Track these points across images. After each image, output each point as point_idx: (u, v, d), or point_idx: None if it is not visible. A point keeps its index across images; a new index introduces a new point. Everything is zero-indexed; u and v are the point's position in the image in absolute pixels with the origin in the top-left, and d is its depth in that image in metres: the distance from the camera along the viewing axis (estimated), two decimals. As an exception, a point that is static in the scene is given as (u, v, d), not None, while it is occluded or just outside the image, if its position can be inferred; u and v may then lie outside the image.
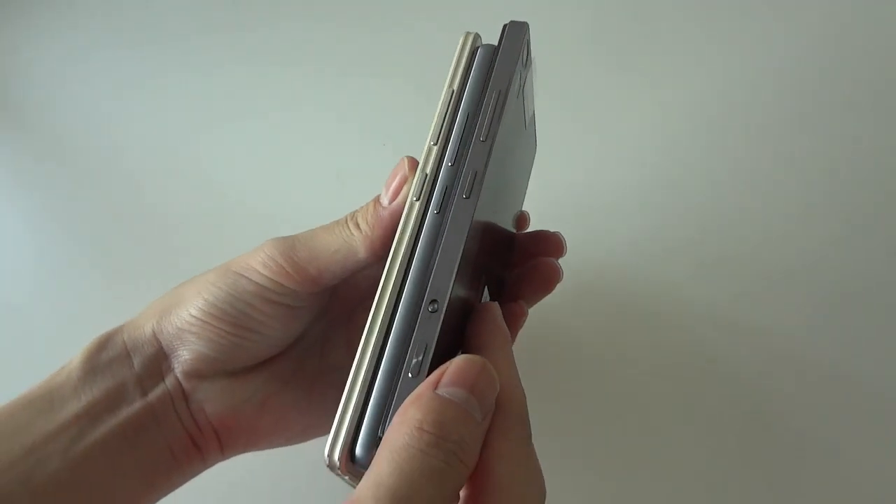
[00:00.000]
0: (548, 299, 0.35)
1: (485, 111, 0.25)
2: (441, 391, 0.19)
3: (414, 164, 0.26)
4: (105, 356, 0.28)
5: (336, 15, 0.70)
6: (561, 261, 0.35)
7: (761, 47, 0.57)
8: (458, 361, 0.20)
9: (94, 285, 0.59)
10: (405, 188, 0.26)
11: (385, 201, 0.27)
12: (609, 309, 0.47)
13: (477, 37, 0.28)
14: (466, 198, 0.24)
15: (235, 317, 0.27)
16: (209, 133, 0.66)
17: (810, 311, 0.45)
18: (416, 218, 0.24)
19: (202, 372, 0.28)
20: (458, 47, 0.27)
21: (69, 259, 0.62)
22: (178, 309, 0.28)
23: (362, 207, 0.28)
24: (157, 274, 0.60)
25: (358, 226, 0.27)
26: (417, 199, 0.25)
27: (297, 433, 0.31)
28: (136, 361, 0.28)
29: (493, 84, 0.26)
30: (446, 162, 0.25)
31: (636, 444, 0.42)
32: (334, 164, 0.61)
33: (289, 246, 0.28)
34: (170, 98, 0.70)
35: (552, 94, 0.49)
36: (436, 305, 0.22)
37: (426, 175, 0.25)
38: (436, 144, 0.26)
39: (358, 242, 0.27)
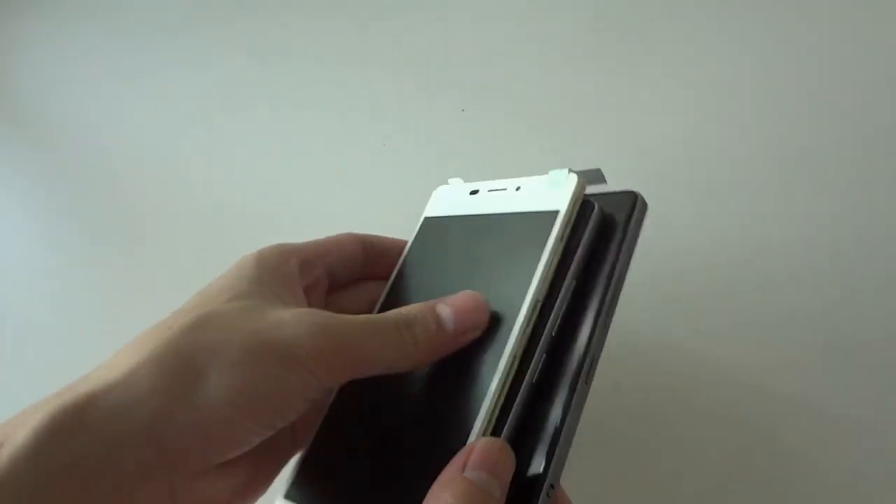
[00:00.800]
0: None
1: (614, 291, 0.25)
2: (468, 474, 0.21)
3: (487, 308, 0.25)
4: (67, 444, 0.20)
5: (336, 12, 0.70)
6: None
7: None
8: (481, 445, 0.22)
9: (91, 280, 0.59)
10: (474, 328, 0.25)
11: (450, 326, 0.25)
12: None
13: (582, 184, 0.27)
14: (586, 384, 0.24)
15: (272, 417, 0.23)
16: (208, 129, 0.66)
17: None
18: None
19: (197, 473, 0.22)
20: (570, 198, 0.26)
21: (66, 254, 0.62)
22: (195, 390, 0.21)
23: (420, 316, 0.25)
24: (154, 269, 0.60)
25: (416, 342, 0.24)
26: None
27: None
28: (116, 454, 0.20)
29: (620, 267, 0.26)
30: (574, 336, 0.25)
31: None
32: (334, 163, 0.61)
33: (335, 336, 0.23)
34: (168, 94, 0.70)
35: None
36: (552, 491, 0.22)
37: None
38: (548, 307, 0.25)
39: (412, 360, 0.24)
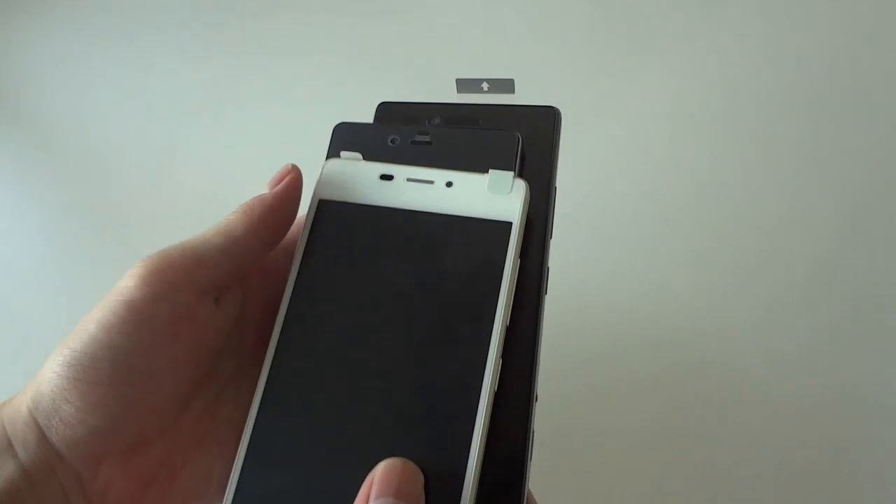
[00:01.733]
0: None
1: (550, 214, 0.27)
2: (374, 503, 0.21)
3: (297, 169, 0.27)
4: None
5: (330, 7, 0.70)
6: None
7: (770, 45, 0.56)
8: (380, 469, 0.21)
9: (91, 280, 0.59)
10: (290, 178, 0.26)
11: (267, 189, 0.26)
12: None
13: (528, 193, 0.26)
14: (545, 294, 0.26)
15: (116, 361, 0.21)
16: (208, 129, 0.66)
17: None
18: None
19: (97, 452, 0.22)
20: (520, 209, 0.25)
21: (65, 254, 0.62)
22: (44, 372, 0.22)
23: (241, 205, 0.26)
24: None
25: (235, 211, 0.26)
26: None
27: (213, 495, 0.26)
28: (20, 451, 0.21)
29: (552, 187, 0.27)
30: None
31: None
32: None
33: (164, 248, 0.24)
34: (168, 95, 0.70)
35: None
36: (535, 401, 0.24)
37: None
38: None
39: (240, 232, 0.25)
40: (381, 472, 0.21)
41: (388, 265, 0.25)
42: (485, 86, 0.30)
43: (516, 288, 0.24)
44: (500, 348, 0.23)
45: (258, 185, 0.60)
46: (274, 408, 0.24)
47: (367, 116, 0.31)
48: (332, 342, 0.24)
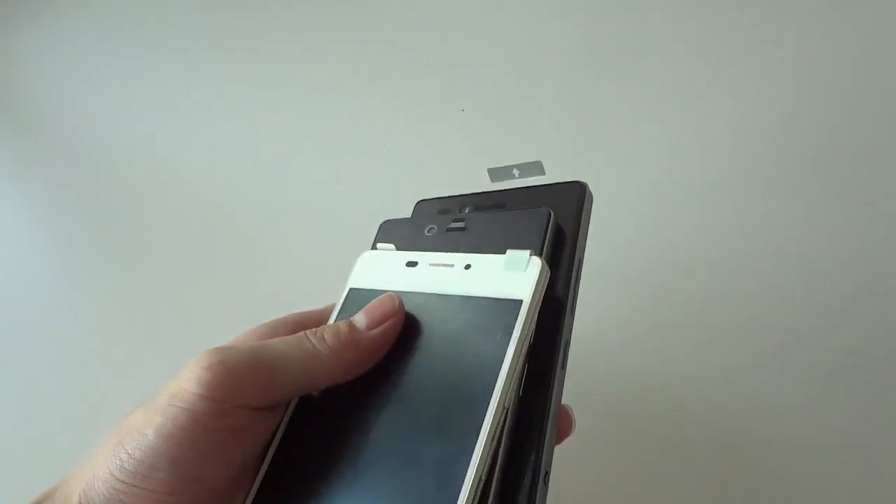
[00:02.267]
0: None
1: (576, 283, 0.26)
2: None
3: (402, 306, 0.26)
4: None
5: (337, 20, 0.71)
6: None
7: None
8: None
9: (90, 280, 0.60)
10: (389, 323, 0.25)
11: (363, 326, 0.25)
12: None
13: (546, 271, 0.25)
14: (563, 369, 0.25)
15: (174, 471, 0.22)
16: (208, 128, 0.67)
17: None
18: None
19: None
20: (534, 287, 0.24)
21: (66, 254, 0.63)
22: (99, 470, 0.22)
23: (329, 326, 0.25)
24: (154, 269, 0.60)
25: (325, 340, 0.24)
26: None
27: None
28: None
29: (577, 260, 0.27)
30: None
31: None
32: (333, 163, 0.61)
33: (229, 352, 0.23)
34: (172, 97, 0.70)
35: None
36: (548, 477, 0.23)
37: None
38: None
39: (324, 359, 0.24)
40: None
41: (399, 346, 0.25)
42: (516, 172, 0.30)
43: (532, 364, 0.24)
44: (495, 430, 0.22)
45: (258, 187, 0.60)
46: (271, 488, 0.24)
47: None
48: (333, 425, 0.24)
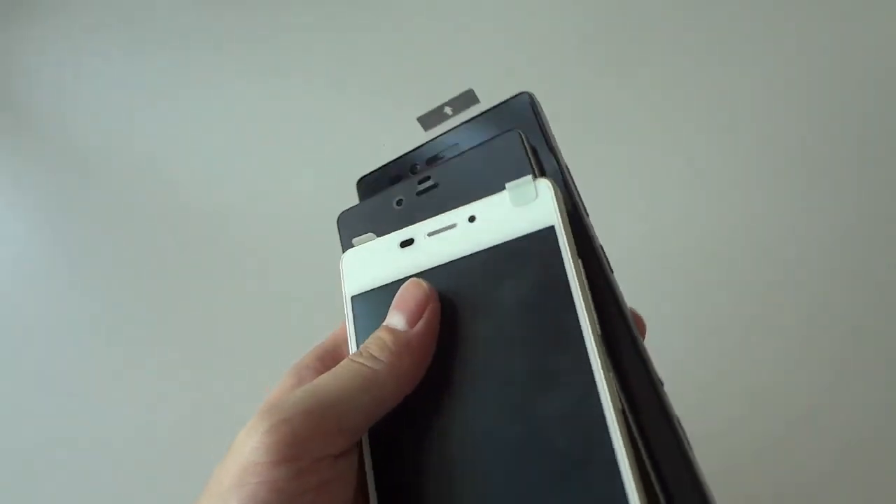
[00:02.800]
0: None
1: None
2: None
3: (431, 287, 0.23)
4: None
5: (336, 19, 0.71)
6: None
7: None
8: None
9: (90, 281, 0.59)
10: (430, 310, 0.22)
11: (403, 325, 0.22)
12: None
13: (559, 191, 0.23)
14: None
15: None
16: (208, 128, 0.67)
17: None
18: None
19: None
20: (556, 206, 0.22)
21: (65, 254, 0.62)
22: None
23: (370, 342, 0.23)
24: (153, 269, 0.60)
25: (375, 357, 0.22)
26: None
27: None
28: None
29: (565, 171, 0.25)
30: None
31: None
32: (335, 165, 0.61)
33: (283, 407, 0.20)
34: (174, 98, 0.70)
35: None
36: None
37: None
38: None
39: (384, 375, 0.21)
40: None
41: (451, 328, 0.22)
42: (448, 110, 0.28)
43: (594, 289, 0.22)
44: (603, 353, 0.20)
45: (259, 189, 0.60)
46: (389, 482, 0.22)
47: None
48: (431, 430, 0.22)
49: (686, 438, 0.20)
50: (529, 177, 0.22)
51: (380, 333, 0.22)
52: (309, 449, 0.20)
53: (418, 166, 0.27)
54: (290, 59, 0.70)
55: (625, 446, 0.19)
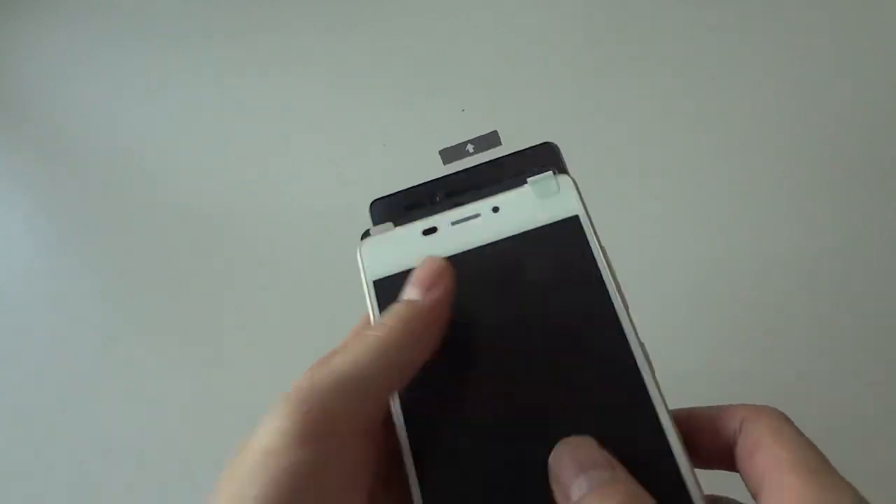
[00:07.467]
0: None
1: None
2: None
3: (447, 261, 0.23)
4: None
5: (335, 18, 0.71)
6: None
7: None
8: (560, 452, 0.20)
9: (91, 281, 0.59)
10: (446, 279, 0.22)
11: (417, 295, 0.22)
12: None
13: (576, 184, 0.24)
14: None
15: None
16: (207, 128, 0.67)
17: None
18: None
19: None
20: (578, 198, 0.23)
21: (65, 254, 0.62)
22: None
23: (384, 312, 0.22)
24: (153, 269, 0.60)
25: (387, 324, 0.21)
26: None
27: None
28: None
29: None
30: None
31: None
32: (335, 166, 0.61)
33: (304, 389, 0.20)
34: (169, 96, 0.70)
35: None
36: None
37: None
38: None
39: (396, 339, 0.21)
40: (563, 454, 0.19)
41: (478, 308, 0.23)
42: (470, 148, 0.28)
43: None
44: (635, 332, 0.21)
45: (258, 188, 0.60)
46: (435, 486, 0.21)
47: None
48: (471, 399, 0.22)
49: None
50: (550, 172, 0.24)
51: (394, 305, 0.22)
52: (333, 427, 0.19)
53: (437, 196, 0.27)
54: (290, 55, 0.70)
55: (667, 412, 0.20)
